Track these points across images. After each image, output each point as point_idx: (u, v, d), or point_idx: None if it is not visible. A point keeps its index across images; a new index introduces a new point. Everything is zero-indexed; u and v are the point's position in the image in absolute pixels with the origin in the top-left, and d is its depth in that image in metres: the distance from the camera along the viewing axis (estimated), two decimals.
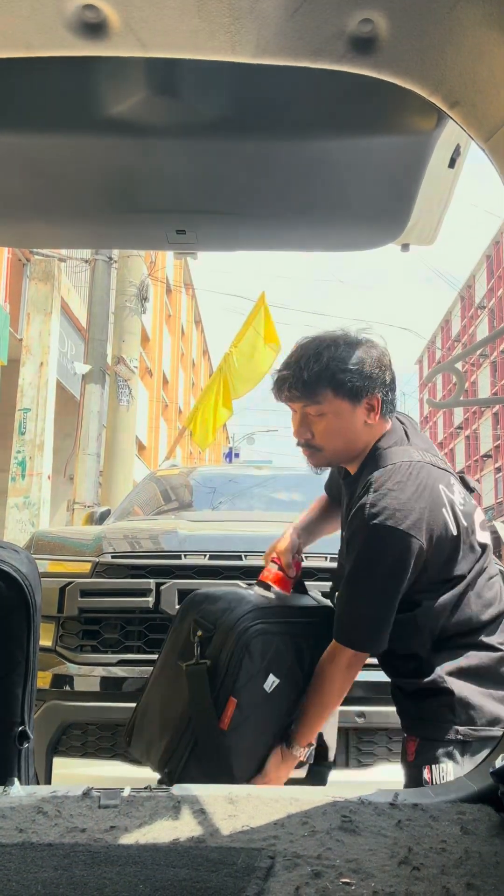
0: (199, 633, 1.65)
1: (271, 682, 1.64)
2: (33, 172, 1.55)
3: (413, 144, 1.42)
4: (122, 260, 9.58)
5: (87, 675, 2.66)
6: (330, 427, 1.74)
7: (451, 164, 1.57)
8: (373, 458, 1.75)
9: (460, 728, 1.58)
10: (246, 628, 1.62)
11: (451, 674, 1.62)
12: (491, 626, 1.66)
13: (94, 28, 0.90)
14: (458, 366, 1.53)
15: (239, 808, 1.16)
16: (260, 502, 4.48)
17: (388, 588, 1.60)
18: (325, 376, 1.69)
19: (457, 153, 1.55)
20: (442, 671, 1.62)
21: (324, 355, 1.71)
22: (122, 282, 9.52)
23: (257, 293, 8.48)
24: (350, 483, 1.83)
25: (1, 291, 8.97)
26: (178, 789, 1.25)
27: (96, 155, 1.49)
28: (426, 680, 1.62)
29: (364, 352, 1.74)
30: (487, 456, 52.21)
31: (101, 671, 2.63)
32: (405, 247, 1.90)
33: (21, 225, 1.82)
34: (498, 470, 49.49)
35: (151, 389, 20.59)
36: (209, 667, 1.61)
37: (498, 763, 1.17)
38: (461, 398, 1.57)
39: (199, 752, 1.59)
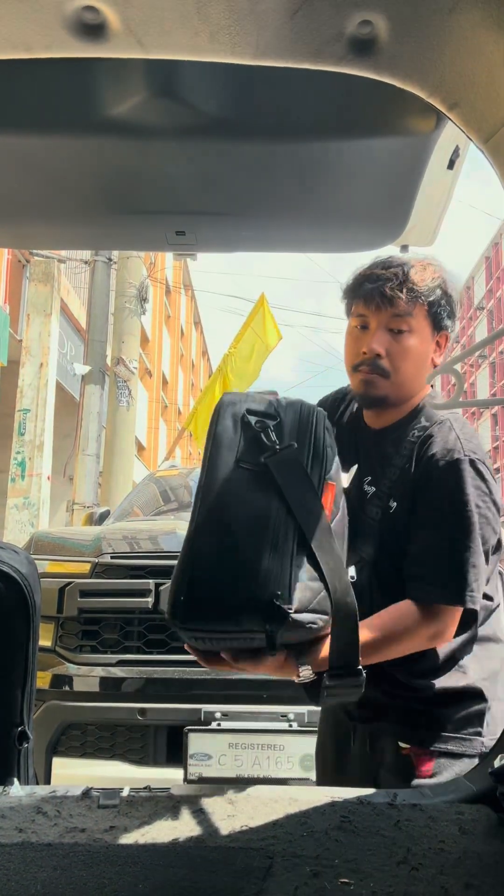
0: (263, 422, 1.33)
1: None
2: (33, 173, 1.55)
3: (412, 146, 1.43)
4: (122, 261, 9.59)
5: (87, 675, 2.67)
6: (410, 348, 1.56)
7: (451, 165, 1.58)
8: (426, 412, 1.60)
9: (485, 741, 1.44)
10: (317, 412, 1.38)
11: (486, 678, 1.48)
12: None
13: (93, 29, 0.90)
14: (458, 367, 1.53)
15: (238, 808, 1.16)
16: None
17: (484, 533, 1.45)
18: (426, 290, 1.56)
19: (456, 154, 1.56)
20: (477, 674, 1.48)
21: (431, 268, 1.60)
22: (122, 283, 9.54)
23: (256, 294, 8.51)
24: (380, 435, 1.65)
25: (1, 292, 8.97)
26: (178, 789, 1.25)
27: (96, 156, 1.49)
28: (460, 684, 1.47)
29: (457, 287, 1.64)
30: None
31: (100, 671, 2.64)
32: (404, 248, 1.91)
33: (21, 226, 1.82)
34: (497, 471, 49.52)
35: (151, 390, 20.60)
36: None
37: (496, 763, 1.17)
38: (460, 399, 1.57)
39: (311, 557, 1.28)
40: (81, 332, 10.88)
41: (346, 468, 1.67)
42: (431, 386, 1.68)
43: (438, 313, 1.59)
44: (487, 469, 1.49)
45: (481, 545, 1.43)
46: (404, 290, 1.54)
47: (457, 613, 1.42)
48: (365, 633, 1.32)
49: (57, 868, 0.94)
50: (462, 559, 1.41)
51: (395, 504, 1.54)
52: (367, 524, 1.58)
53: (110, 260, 9.72)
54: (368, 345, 1.56)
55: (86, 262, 10.39)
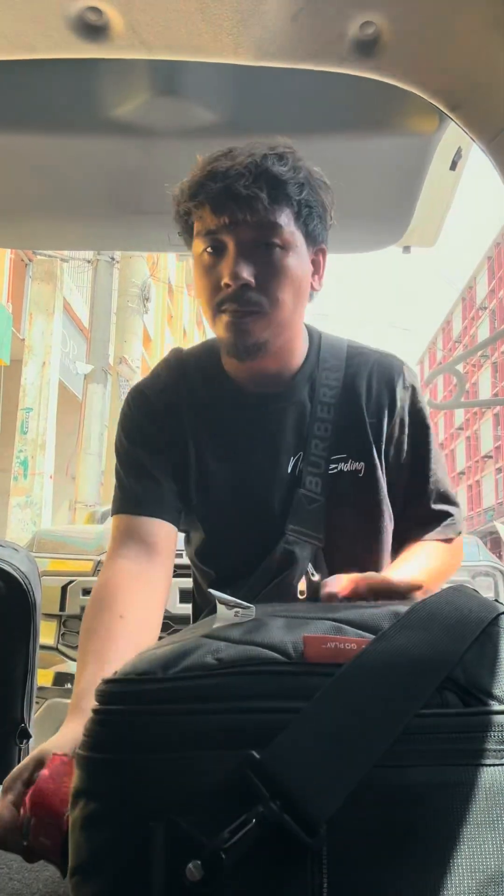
0: None
1: None
2: (36, 173, 1.55)
3: (415, 146, 1.43)
4: (125, 260, 9.59)
5: None
6: (285, 268, 1.16)
7: (453, 166, 1.58)
8: (323, 343, 1.31)
9: None
10: None
11: None
12: None
13: (97, 30, 0.90)
14: (459, 367, 1.53)
15: None
16: None
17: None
18: (295, 185, 1.15)
19: (458, 156, 1.56)
20: None
21: (292, 155, 1.18)
22: (125, 282, 9.54)
23: None
24: (279, 400, 1.28)
25: (3, 291, 8.97)
26: None
27: (99, 156, 1.49)
28: None
29: (326, 183, 1.24)
30: (488, 457, 52.16)
31: None
32: (406, 248, 1.91)
33: (24, 226, 1.83)
34: (498, 471, 49.43)
35: None
36: None
37: None
38: (462, 399, 1.57)
39: None
40: (84, 331, 10.89)
41: (229, 462, 1.29)
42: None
43: (310, 217, 1.20)
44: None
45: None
46: (265, 187, 1.13)
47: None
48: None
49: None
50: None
51: (361, 465, 1.25)
52: (303, 503, 1.24)
53: (113, 259, 9.72)
54: (231, 271, 1.14)
55: (88, 262, 10.40)
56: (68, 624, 2.84)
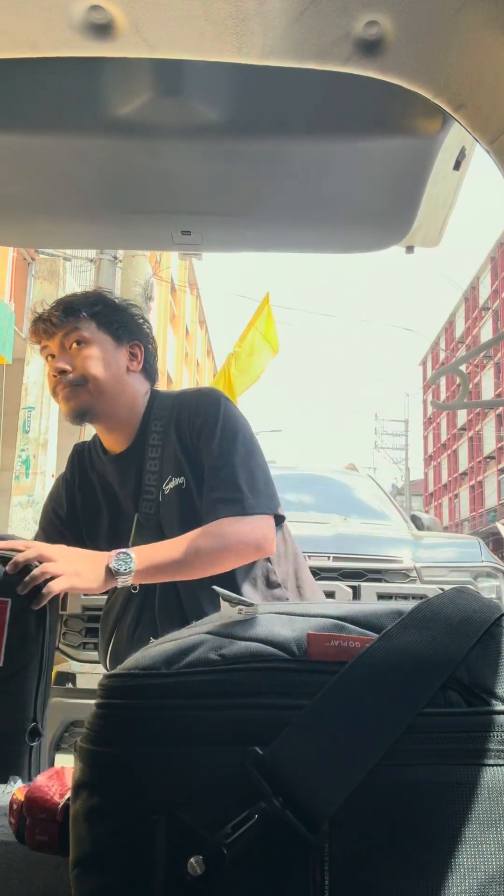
0: None
1: None
2: (39, 172, 1.55)
3: (418, 146, 1.42)
4: (127, 260, 9.59)
5: (90, 672, 2.68)
6: (93, 354, 1.70)
7: (456, 166, 1.58)
8: (162, 401, 1.76)
9: None
10: None
11: None
12: None
13: (100, 29, 0.90)
14: (462, 368, 1.53)
15: None
16: None
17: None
18: (87, 306, 1.72)
19: (462, 156, 1.56)
20: None
21: (86, 290, 1.81)
22: (127, 281, 9.53)
23: (262, 293, 8.49)
24: (124, 458, 1.78)
25: (6, 290, 8.98)
26: None
27: (102, 155, 1.49)
28: None
29: (129, 306, 1.84)
30: (491, 457, 52.13)
31: (104, 669, 2.65)
32: (410, 249, 1.91)
33: (27, 225, 1.83)
34: (501, 471, 49.41)
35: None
36: None
37: None
38: (465, 400, 1.56)
39: None
40: None
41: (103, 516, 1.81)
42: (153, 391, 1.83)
43: (111, 325, 1.74)
44: (236, 408, 1.72)
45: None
46: (61, 310, 1.70)
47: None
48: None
49: (59, 867, 0.94)
50: (262, 475, 1.65)
51: (182, 479, 1.67)
52: (149, 525, 1.70)
53: (115, 258, 9.72)
54: (55, 366, 1.69)
55: (91, 261, 10.40)
56: (69, 623, 2.85)
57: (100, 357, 1.69)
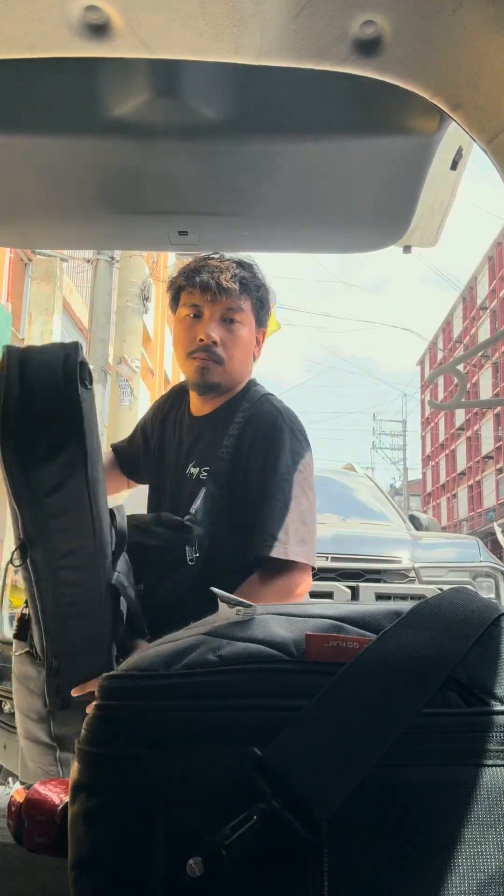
0: None
1: None
2: (36, 173, 1.55)
3: (415, 146, 1.42)
4: (124, 260, 9.58)
5: None
6: (243, 337, 1.71)
7: (454, 166, 1.58)
8: (256, 392, 1.74)
9: None
10: None
11: None
12: None
13: (96, 29, 0.90)
14: (460, 367, 1.53)
15: None
16: None
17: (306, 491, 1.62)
18: (255, 286, 1.72)
19: (459, 155, 1.56)
20: None
21: (256, 268, 1.75)
22: (124, 282, 9.52)
23: None
24: (206, 421, 1.77)
25: (3, 291, 8.98)
26: None
27: (99, 156, 1.49)
28: None
29: (269, 290, 1.81)
30: (489, 457, 52.18)
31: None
32: (407, 248, 1.91)
33: (24, 225, 1.83)
34: (499, 471, 49.45)
35: (153, 389, 20.58)
36: None
37: None
38: (463, 399, 1.56)
39: None
40: (83, 331, 10.89)
41: (167, 460, 1.83)
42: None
43: (261, 308, 1.75)
44: (304, 435, 1.68)
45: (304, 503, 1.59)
46: (237, 283, 1.68)
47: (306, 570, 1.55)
48: None
49: (59, 868, 0.94)
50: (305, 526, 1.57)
51: (223, 482, 1.64)
52: (203, 499, 1.64)
53: (113, 259, 9.72)
54: (205, 332, 1.66)
55: (88, 261, 10.39)
56: None
57: (246, 341, 1.72)
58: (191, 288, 1.70)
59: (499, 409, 46.25)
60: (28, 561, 1.28)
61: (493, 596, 3.57)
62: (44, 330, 9.67)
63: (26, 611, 1.44)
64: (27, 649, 1.46)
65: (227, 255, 1.74)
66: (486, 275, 53.68)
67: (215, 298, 1.67)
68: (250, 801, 0.59)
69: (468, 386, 1.54)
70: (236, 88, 1.37)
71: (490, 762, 0.63)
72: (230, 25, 0.89)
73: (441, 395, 58.59)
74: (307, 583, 1.54)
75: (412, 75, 0.95)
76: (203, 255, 1.75)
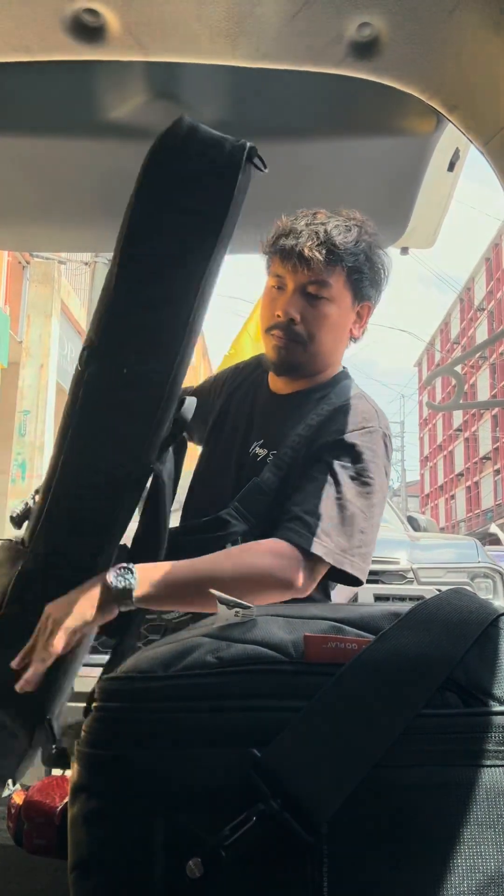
0: None
1: None
2: (34, 176, 1.55)
3: (412, 147, 1.43)
4: None
5: (86, 675, 2.67)
6: (328, 316, 1.45)
7: (451, 167, 1.58)
8: (340, 389, 1.50)
9: None
10: None
11: None
12: None
13: (93, 32, 0.90)
14: (458, 368, 1.53)
15: None
16: None
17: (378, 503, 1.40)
18: (349, 254, 1.42)
19: (456, 157, 1.56)
20: None
21: (357, 230, 1.45)
22: None
23: (257, 296, 8.48)
24: (285, 400, 1.53)
25: (1, 294, 8.97)
26: None
27: (97, 158, 1.50)
28: None
29: (386, 255, 1.51)
30: (487, 458, 52.21)
31: (99, 672, 2.64)
32: (404, 250, 1.91)
33: (22, 228, 1.83)
34: (497, 472, 49.48)
35: None
36: None
37: None
38: (461, 401, 1.56)
39: None
40: (82, 334, 10.88)
41: (228, 432, 1.60)
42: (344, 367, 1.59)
43: (360, 280, 1.46)
44: (390, 449, 1.47)
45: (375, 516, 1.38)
46: (324, 252, 1.41)
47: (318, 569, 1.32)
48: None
49: (58, 870, 0.94)
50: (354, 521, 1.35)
51: (289, 470, 1.43)
52: (255, 488, 1.44)
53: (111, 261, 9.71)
54: (283, 307, 1.44)
55: (86, 264, 10.39)
56: None
57: (334, 319, 1.46)
58: (274, 255, 1.48)
59: (497, 410, 46.29)
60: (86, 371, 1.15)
61: (491, 597, 3.57)
62: (42, 333, 9.66)
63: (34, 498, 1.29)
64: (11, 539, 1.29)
65: (332, 215, 1.46)
66: (484, 276, 53.74)
67: (297, 269, 1.43)
68: (250, 802, 0.59)
69: (466, 387, 1.54)
70: (233, 90, 1.37)
71: (489, 762, 0.63)
72: (227, 28, 0.89)
73: (439, 397, 58.62)
74: (312, 581, 1.32)
75: (409, 77, 0.95)
76: (301, 210, 1.49)
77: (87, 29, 0.89)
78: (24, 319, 9.76)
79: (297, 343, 1.44)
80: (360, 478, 1.38)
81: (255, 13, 0.87)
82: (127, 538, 1.26)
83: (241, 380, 1.67)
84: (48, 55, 0.94)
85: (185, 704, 0.64)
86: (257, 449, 1.51)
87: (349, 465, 1.38)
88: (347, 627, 0.71)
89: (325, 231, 1.41)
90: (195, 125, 1.14)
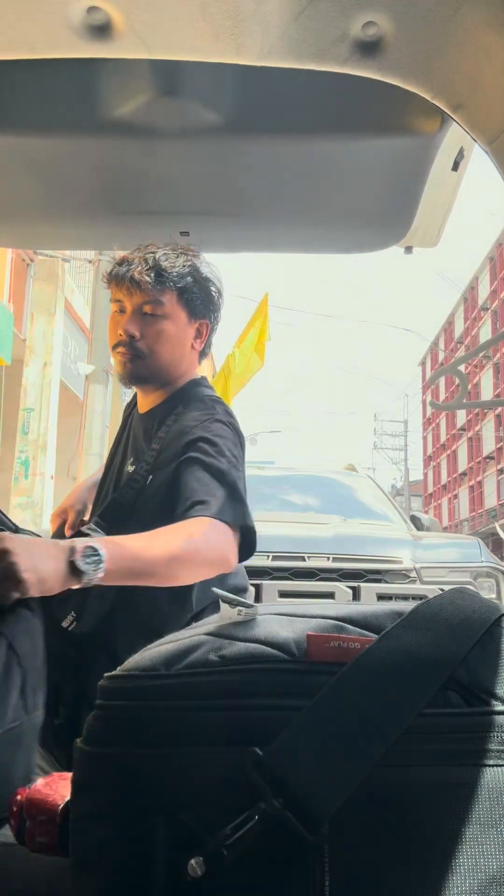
0: None
1: None
2: (38, 174, 1.55)
3: (417, 147, 1.43)
4: None
5: None
6: (164, 331, 1.65)
7: (455, 166, 1.58)
8: (195, 395, 1.69)
9: None
10: None
11: None
12: None
13: (98, 30, 0.90)
14: (461, 368, 1.52)
15: None
16: (269, 503, 4.49)
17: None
18: (176, 276, 1.64)
19: (460, 156, 1.56)
20: None
21: (182, 258, 1.66)
22: None
23: (260, 294, 8.47)
24: (146, 417, 1.74)
25: (5, 292, 8.97)
26: None
27: (100, 156, 1.50)
28: None
29: (214, 275, 1.73)
30: (490, 458, 52.12)
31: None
32: (408, 249, 1.91)
33: (25, 226, 1.83)
34: (500, 472, 49.40)
35: None
36: None
37: None
38: (464, 400, 1.56)
39: None
40: (85, 332, 10.88)
41: (112, 458, 1.83)
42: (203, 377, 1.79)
43: (191, 300, 1.67)
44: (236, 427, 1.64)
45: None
46: (153, 275, 1.62)
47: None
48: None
49: (60, 869, 0.94)
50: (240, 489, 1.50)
51: (150, 478, 1.59)
52: (113, 503, 1.62)
53: (114, 259, 9.70)
54: (124, 327, 1.64)
55: (90, 262, 10.39)
56: None
57: (171, 334, 1.66)
58: (111, 282, 1.70)
59: (500, 409, 46.18)
60: None
61: (494, 596, 3.56)
62: (46, 331, 9.67)
63: None
64: None
65: (162, 245, 1.68)
66: (488, 275, 53.61)
67: (132, 291, 1.64)
68: (251, 800, 0.59)
69: (469, 387, 1.54)
70: (238, 89, 1.37)
71: (491, 762, 0.63)
72: (231, 26, 0.89)
73: (442, 396, 58.55)
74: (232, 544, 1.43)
75: (413, 76, 0.95)
76: (138, 245, 1.70)
77: (92, 27, 0.89)
78: (28, 317, 9.77)
79: (139, 357, 1.65)
80: (220, 457, 1.52)
81: (259, 12, 0.87)
82: None
83: (129, 409, 1.89)
84: (52, 53, 0.94)
85: (187, 703, 0.65)
86: (128, 467, 1.70)
87: (208, 450, 1.52)
88: (350, 626, 0.71)
89: (154, 258, 1.63)
90: None
